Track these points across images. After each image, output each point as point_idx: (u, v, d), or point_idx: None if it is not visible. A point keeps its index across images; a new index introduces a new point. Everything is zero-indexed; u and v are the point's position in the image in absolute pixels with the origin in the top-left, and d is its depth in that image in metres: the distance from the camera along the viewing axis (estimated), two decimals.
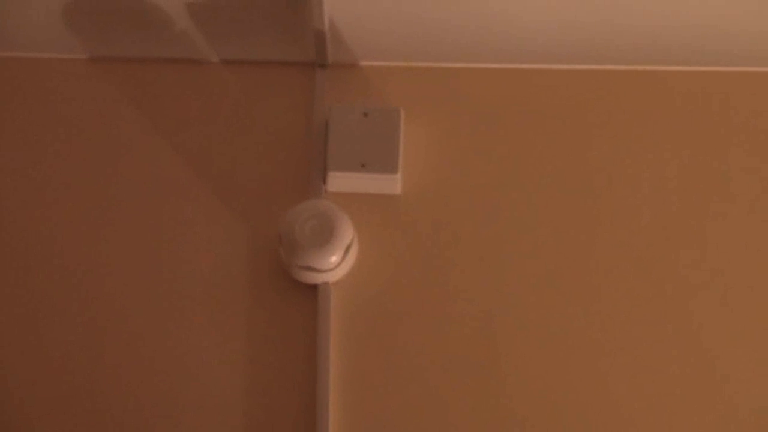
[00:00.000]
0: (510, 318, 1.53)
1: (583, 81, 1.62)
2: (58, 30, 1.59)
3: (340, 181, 1.57)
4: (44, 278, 1.56)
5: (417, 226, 1.57)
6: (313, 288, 1.53)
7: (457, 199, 1.58)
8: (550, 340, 1.52)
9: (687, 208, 1.56)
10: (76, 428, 1.50)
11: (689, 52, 1.59)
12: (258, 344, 1.53)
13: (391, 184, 1.57)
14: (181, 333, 1.53)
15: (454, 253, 1.55)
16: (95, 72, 1.64)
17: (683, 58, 1.60)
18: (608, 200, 1.57)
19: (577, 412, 1.50)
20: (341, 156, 1.56)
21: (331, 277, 1.52)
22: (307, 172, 1.59)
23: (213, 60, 1.64)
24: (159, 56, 1.64)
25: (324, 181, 1.57)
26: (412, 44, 1.60)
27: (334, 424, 1.49)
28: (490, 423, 1.49)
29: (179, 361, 1.52)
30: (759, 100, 1.60)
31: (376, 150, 1.56)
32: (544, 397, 1.50)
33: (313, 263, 1.50)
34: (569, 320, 1.52)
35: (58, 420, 1.51)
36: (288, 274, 1.53)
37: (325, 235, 1.49)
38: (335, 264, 1.50)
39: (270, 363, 1.52)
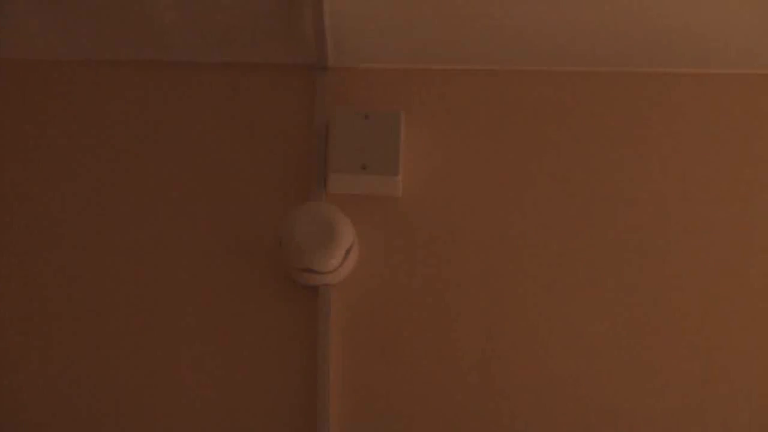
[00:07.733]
0: (510, 319, 1.53)
1: (582, 83, 1.62)
2: (57, 33, 1.59)
3: (340, 183, 1.57)
4: (43, 279, 1.55)
5: (417, 227, 1.57)
6: (314, 290, 1.53)
7: (458, 201, 1.58)
8: (550, 341, 1.52)
9: (687, 208, 1.57)
10: (77, 428, 1.50)
11: (688, 54, 1.59)
12: (258, 346, 1.52)
13: (392, 186, 1.57)
14: (181, 334, 1.53)
15: (454, 254, 1.56)
16: (97, 74, 1.64)
17: (682, 60, 1.60)
18: (609, 202, 1.57)
19: (578, 415, 1.50)
20: (342, 158, 1.56)
21: (332, 279, 1.52)
22: (308, 174, 1.59)
23: (214, 63, 1.65)
24: (159, 59, 1.64)
25: (325, 183, 1.57)
26: (413, 47, 1.60)
27: (334, 425, 1.49)
28: (489, 424, 1.49)
29: (179, 362, 1.52)
30: (758, 102, 1.61)
31: (376, 152, 1.56)
32: (544, 398, 1.50)
33: (314, 265, 1.49)
34: (569, 321, 1.53)
35: (59, 419, 1.50)
36: (288, 276, 1.53)
37: (325, 238, 1.49)
38: (336, 266, 1.50)
39: (270, 365, 1.52)
